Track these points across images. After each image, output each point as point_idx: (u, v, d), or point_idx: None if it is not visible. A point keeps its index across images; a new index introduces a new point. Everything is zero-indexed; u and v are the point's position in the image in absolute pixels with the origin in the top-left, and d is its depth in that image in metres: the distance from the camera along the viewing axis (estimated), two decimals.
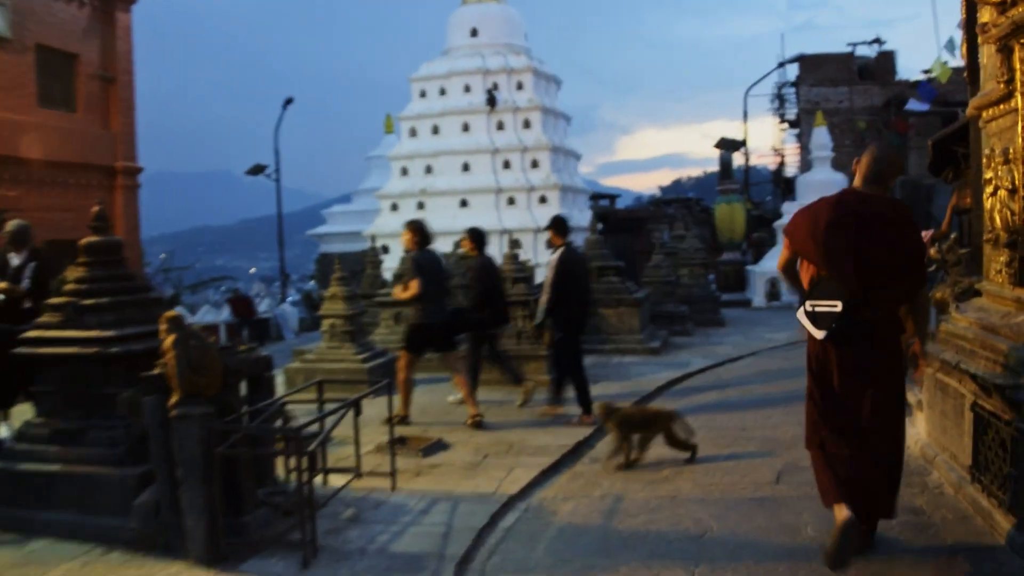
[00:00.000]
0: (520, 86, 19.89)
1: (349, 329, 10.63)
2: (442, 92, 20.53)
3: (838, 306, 4.01)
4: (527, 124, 19.78)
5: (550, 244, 8.75)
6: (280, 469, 5.70)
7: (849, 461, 4.12)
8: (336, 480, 6.01)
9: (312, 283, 33.25)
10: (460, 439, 7.51)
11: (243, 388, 5.54)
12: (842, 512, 4.00)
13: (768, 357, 11.85)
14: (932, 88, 21.86)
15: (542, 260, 19.34)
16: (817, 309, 4.12)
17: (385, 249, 20.13)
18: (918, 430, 6.31)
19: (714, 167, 29.27)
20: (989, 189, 5.26)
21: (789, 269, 4.50)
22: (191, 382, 4.69)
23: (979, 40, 5.60)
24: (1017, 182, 4.79)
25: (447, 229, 19.59)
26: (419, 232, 8.50)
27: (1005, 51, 4.99)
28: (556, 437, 7.55)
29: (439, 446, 7.31)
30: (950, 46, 21.19)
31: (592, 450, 7.22)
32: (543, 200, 19.57)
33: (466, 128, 20.14)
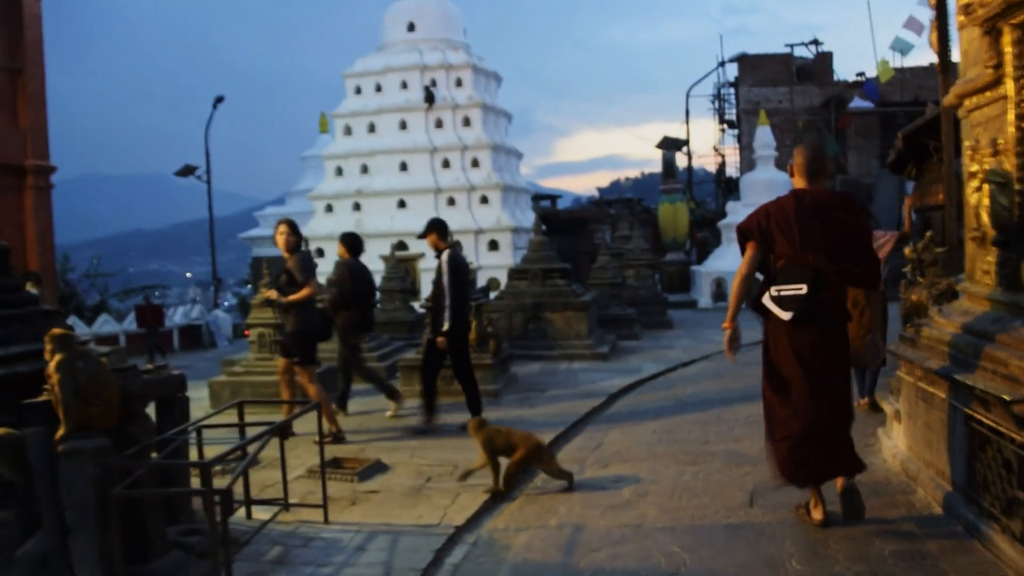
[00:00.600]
0: (459, 82, 19.27)
1: (280, 339, 9.88)
2: (378, 89, 19.78)
3: (803, 289, 4.46)
4: (467, 122, 19.17)
5: (435, 248, 8.22)
6: (197, 502, 5.00)
7: (802, 442, 4.53)
8: (261, 512, 5.33)
9: (249, 288, 32.15)
10: (400, 459, 6.87)
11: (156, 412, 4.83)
12: (814, 495, 4.67)
13: (721, 361, 11.45)
14: (875, 88, 21.95)
15: (485, 262, 18.81)
16: (783, 293, 4.53)
17: (320, 252, 19.32)
18: (896, 442, 5.89)
19: (652, 168, 29.11)
20: (974, 183, 4.84)
21: (754, 270, 4.69)
22: (80, 412, 3.97)
23: (959, 23, 5.18)
24: (1012, 174, 4.37)
25: (384, 231, 18.90)
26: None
27: (993, 33, 4.57)
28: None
29: (377, 468, 6.66)
30: (897, 45, 21.35)
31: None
32: (484, 200, 18.98)
33: (403, 126, 19.44)
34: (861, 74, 28.92)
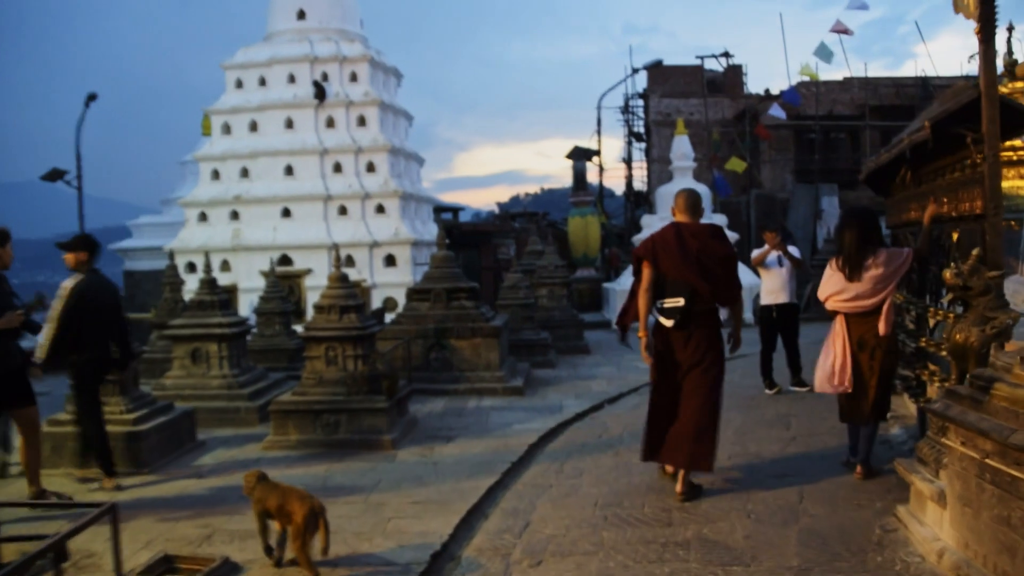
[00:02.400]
0: (354, 77, 17.25)
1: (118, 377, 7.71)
2: (262, 82, 17.57)
3: (681, 301, 5.50)
4: (362, 121, 17.16)
5: (74, 267, 6.70)
6: None
7: (659, 439, 5.68)
8: None
9: None
10: (260, 554, 4.93)
11: None
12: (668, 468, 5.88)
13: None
14: (797, 95, 21.18)
15: (380, 280, 16.81)
16: (666, 305, 5.58)
17: (191, 267, 16.95)
18: (937, 533, 4.34)
19: (551, 184, 27.75)
20: None
21: (652, 285, 5.63)
22: None
23: None
24: None
25: (266, 243, 16.69)
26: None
27: None
28: (401, 538, 5.18)
29: (227, 571, 4.72)
30: (820, 53, 20.72)
31: (460, 558, 4.87)
32: (380, 210, 17.00)
33: (290, 124, 17.26)
34: (767, 92, 28.42)
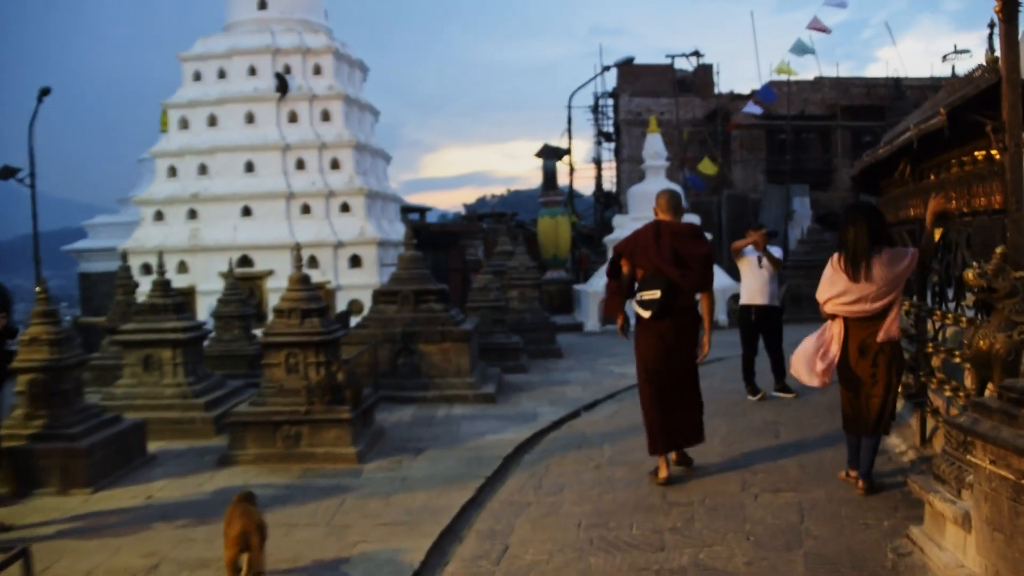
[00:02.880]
0: (318, 70, 16.63)
1: (63, 388, 7.09)
2: (221, 75, 16.88)
3: (658, 294, 5.89)
4: (326, 116, 16.54)
5: None
6: None
7: (665, 418, 5.98)
8: None
9: (76, 312, 28.04)
10: None
11: None
12: (662, 461, 6.08)
13: (632, 403, 9.43)
14: (772, 91, 20.96)
15: (345, 281, 16.20)
16: (644, 298, 5.99)
17: (147, 269, 16.22)
18: (960, 559, 3.95)
19: (517, 185, 27.32)
20: None
21: (627, 280, 6.16)
22: None
23: None
24: None
25: (225, 243, 16.02)
26: None
27: None
28: (368, 567, 4.68)
29: None
30: (798, 48, 20.52)
31: None
32: (345, 208, 16.41)
33: (251, 119, 16.60)
34: (732, 92, 28.26)
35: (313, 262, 15.75)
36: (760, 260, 8.88)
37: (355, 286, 16.05)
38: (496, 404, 9.74)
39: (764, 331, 9.02)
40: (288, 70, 16.43)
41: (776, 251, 9.14)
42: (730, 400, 8.89)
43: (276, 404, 7.48)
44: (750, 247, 8.90)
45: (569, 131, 28.49)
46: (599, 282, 18.87)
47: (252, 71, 16.60)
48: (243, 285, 13.99)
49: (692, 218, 17.40)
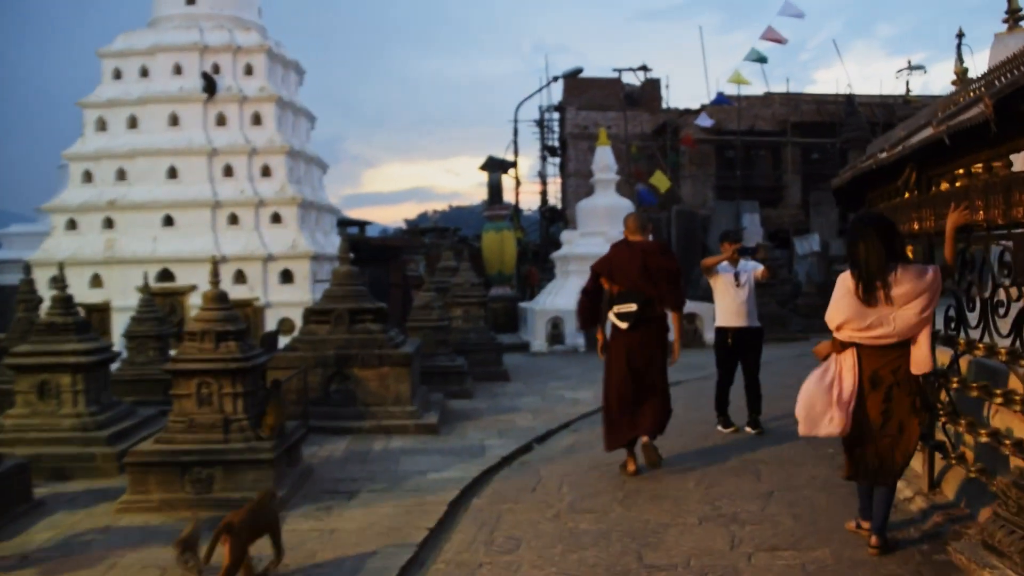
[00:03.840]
0: (249, 70, 15.52)
1: None
2: (144, 73, 15.65)
3: (633, 307, 6.54)
4: (257, 119, 15.43)
5: None
6: None
7: (626, 410, 6.67)
8: None
9: None
10: None
11: None
12: (630, 458, 6.77)
13: (589, 434, 8.59)
14: (726, 98, 20.55)
15: (275, 298, 15.00)
16: (621, 311, 6.60)
17: (56, 282, 14.82)
18: None
19: (459, 201, 26.43)
20: None
21: (606, 296, 6.82)
22: None
23: None
24: None
25: (144, 255, 14.76)
26: None
27: None
28: None
29: None
30: (752, 56, 20.14)
31: None
32: (276, 219, 15.30)
33: (175, 121, 15.39)
34: (679, 109, 27.95)
35: (240, 277, 14.62)
36: (737, 277, 8.09)
37: (286, 303, 14.93)
38: (439, 435, 8.80)
39: (743, 356, 8.21)
40: (217, 69, 15.31)
41: (754, 264, 8.36)
42: (699, 432, 8.11)
43: (184, 441, 6.42)
44: (724, 264, 8.11)
45: (515, 143, 27.81)
46: (549, 300, 18.08)
47: (178, 70, 15.44)
48: (162, 302, 12.83)
49: None
